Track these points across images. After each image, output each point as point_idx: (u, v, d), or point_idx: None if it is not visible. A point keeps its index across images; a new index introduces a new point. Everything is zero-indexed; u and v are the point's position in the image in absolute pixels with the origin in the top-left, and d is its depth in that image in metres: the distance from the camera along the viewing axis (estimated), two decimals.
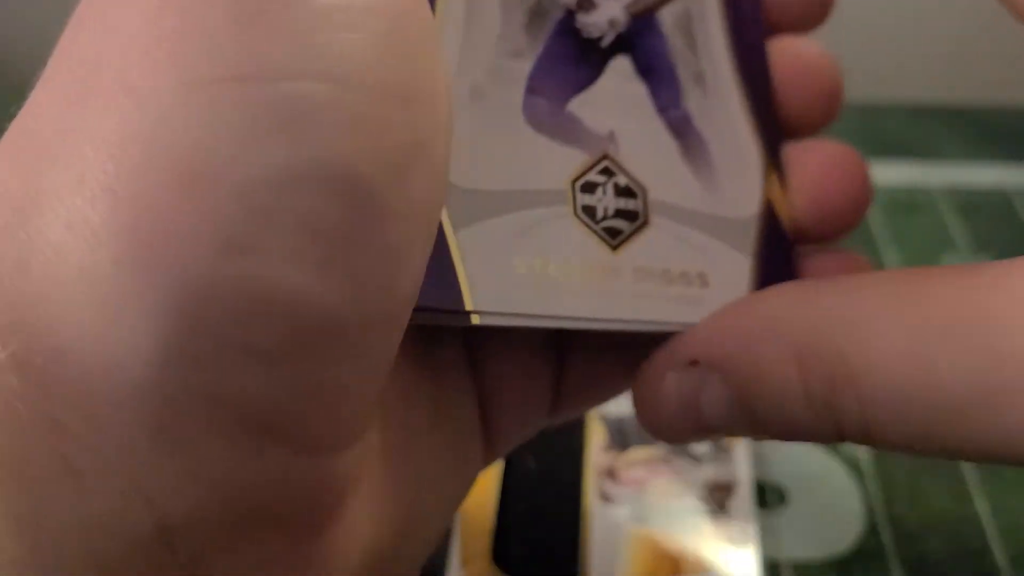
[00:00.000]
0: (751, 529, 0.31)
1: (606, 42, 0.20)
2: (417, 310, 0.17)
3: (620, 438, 0.34)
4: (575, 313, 0.18)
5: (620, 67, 0.20)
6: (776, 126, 0.21)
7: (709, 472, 0.33)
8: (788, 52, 0.22)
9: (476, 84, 0.18)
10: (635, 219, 0.19)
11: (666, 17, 0.20)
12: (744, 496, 0.32)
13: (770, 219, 0.20)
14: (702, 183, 0.20)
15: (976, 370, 0.15)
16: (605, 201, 0.19)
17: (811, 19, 0.22)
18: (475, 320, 0.17)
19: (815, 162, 0.21)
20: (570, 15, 0.20)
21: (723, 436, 0.19)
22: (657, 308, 0.19)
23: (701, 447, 0.34)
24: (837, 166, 0.21)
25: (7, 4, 0.58)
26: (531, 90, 0.19)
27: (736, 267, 0.20)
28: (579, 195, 0.19)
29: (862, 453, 0.35)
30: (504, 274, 0.18)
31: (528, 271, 0.18)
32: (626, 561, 0.31)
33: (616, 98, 0.20)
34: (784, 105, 0.22)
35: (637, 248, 0.19)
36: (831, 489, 0.34)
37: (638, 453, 0.34)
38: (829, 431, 0.17)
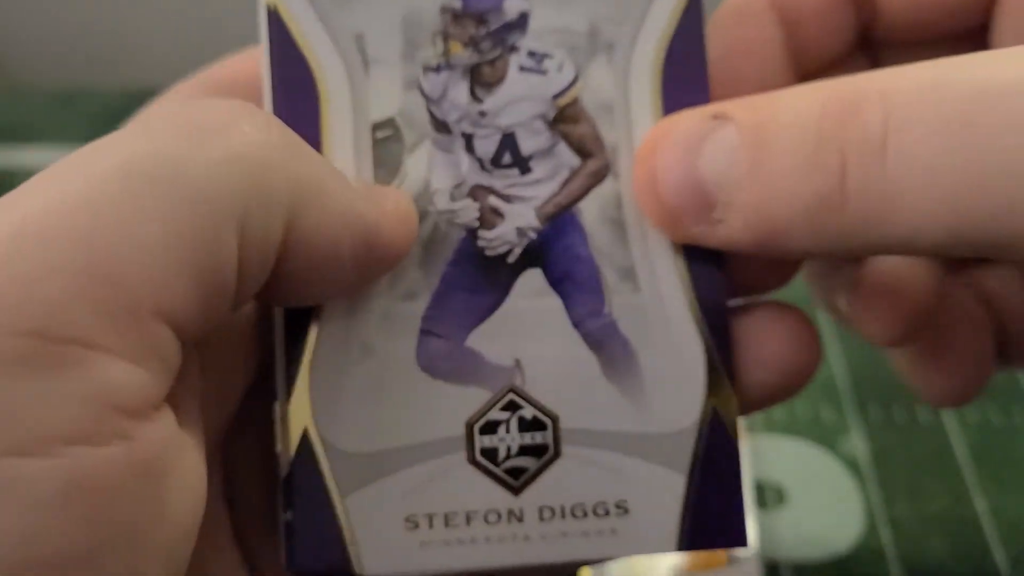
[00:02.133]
0: (750, 529, 0.31)
1: (514, 257, 0.19)
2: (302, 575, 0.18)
3: None
4: (472, 565, 0.18)
5: (530, 282, 0.19)
6: (725, 312, 0.19)
7: None
8: None
9: (364, 340, 0.18)
10: (543, 454, 0.18)
11: (589, 207, 0.19)
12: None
13: (712, 426, 0.19)
14: (627, 398, 0.19)
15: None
16: (508, 440, 0.18)
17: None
18: None
19: (766, 338, 0.20)
20: (472, 235, 0.19)
21: (710, 210, 0.18)
22: (567, 547, 0.18)
23: None
24: (789, 339, 0.20)
25: (7, 4, 0.58)
26: (426, 332, 0.18)
27: (665, 487, 0.19)
28: (478, 438, 0.18)
29: (862, 453, 0.35)
30: (394, 534, 0.18)
31: (420, 528, 0.18)
32: (626, 561, 0.31)
33: (525, 320, 0.19)
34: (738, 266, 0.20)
35: (544, 485, 0.18)
36: (831, 489, 0.34)
37: None
38: (828, 181, 0.16)
